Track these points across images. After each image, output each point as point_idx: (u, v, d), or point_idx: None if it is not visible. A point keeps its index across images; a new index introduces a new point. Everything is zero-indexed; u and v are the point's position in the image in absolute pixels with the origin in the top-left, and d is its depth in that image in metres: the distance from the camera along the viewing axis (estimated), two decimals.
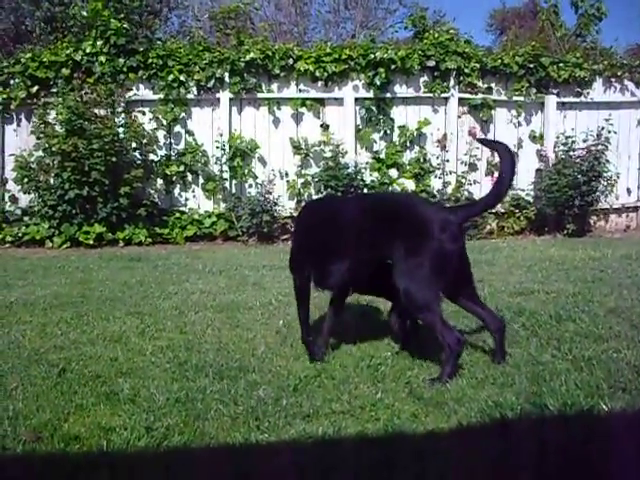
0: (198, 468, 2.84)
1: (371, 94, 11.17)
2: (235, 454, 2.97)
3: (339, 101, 11.17)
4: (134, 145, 10.50)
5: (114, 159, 9.97)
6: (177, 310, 5.57)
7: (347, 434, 3.11)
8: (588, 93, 12.13)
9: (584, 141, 11.40)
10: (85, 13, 10.81)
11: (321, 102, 11.20)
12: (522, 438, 3.05)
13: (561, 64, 11.87)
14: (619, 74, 12.27)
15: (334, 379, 3.78)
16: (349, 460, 2.88)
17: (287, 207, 11.03)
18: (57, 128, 10.16)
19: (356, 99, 11.18)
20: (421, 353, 4.21)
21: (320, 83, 11.13)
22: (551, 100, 11.84)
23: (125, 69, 10.72)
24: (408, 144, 11.38)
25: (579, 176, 11.09)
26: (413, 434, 3.10)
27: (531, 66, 11.65)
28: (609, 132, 11.42)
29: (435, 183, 11.38)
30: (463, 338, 3.99)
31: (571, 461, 2.80)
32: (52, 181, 10.20)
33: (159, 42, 11.42)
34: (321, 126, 11.14)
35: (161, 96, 10.85)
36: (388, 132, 11.29)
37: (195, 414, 3.31)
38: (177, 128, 11.05)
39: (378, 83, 11.05)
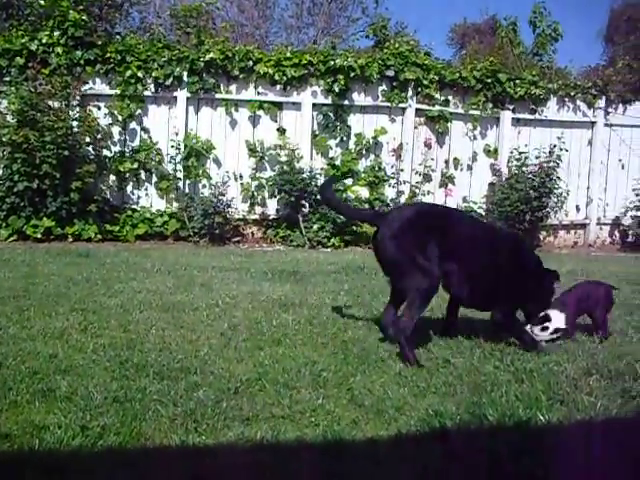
0: (132, 469, 2.79)
1: (329, 100, 11.20)
2: (171, 456, 2.92)
3: (297, 106, 11.18)
4: (88, 140, 10.32)
5: (66, 153, 9.78)
6: (122, 308, 5.48)
7: (286, 439, 3.09)
8: (542, 111, 12.35)
9: (537, 157, 11.61)
10: (43, 2, 10.59)
11: (279, 106, 11.19)
12: (460, 447, 3.06)
13: (517, 81, 12.07)
14: (572, 94, 12.53)
15: (276, 383, 3.75)
16: (286, 465, 2.85)
17: (240, 209, 11.00)
18: (8, 118, 9.93)
19: (314, 105, 11.20)
20: (363, 360, 4.22)
21: (279, 87, 11.11)
22: (506, 115, 12.02)
23: (82, 62, 10.53)
24: (364, 152, 11.44)
25: (531, 191, 11.27)
26: (352, 441, 3.09)
27: (488, 81, 11.82)
28: (561, 150, 11.64)
29: (389, 192, 11.44)
30: None
31: (507, 472, 2.82)
32: (1, 172, 9.98)
33: (118, 37, 11.27)
34: (278, 130, 11.12)
35: (117, 91, 10.70)
36: (344, 139, 11.33)
37: (133, 414, 3.25)
38: (132, 125, 10.92)
39: (337, 90, 11.09)
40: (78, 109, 10.44)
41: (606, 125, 12.74)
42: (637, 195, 12.33)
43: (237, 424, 3.20)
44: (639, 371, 4.11)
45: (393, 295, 4.72)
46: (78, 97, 10.47)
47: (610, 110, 12.77)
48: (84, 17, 10.49)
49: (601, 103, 12.65)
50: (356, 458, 2.90)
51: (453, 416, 3.35)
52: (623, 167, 12.99)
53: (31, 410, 3.27)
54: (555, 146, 11.63)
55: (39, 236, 9.75)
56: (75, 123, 10.19)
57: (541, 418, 3.38)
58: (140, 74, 10.70)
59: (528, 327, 4.83)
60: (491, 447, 3.04)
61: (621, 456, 2.99)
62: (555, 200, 11.67)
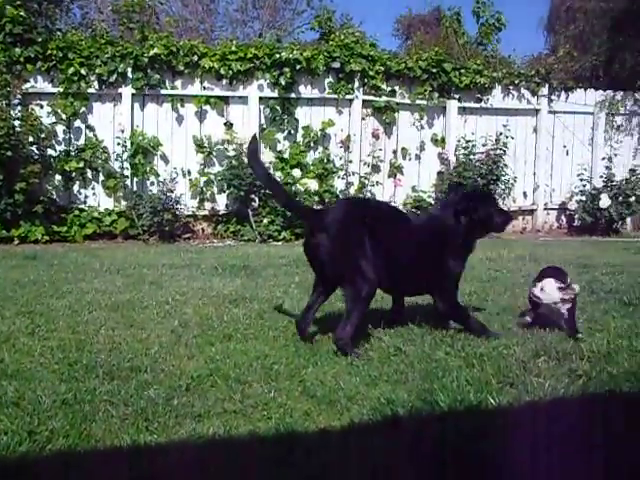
0: (82, 472, 2.75)
1: (276, 94, 11.18)
2: (122, 456, 2.88)
3: (243, 100, 11.13)
4: (31, 139, 10.08)
5: (9, 153, 9.56)
6: (70, 310, 5.38)
7: (238, 433, 3.07)
8: (488, 99, 12.51)
9: (483, 145, 11.79)
10: None
11: (225, 100, 11.13)
12: (412, 434, 3.08)
13: (463, 70, 12.21)
14: (517, 82, 12.73)
15: (227, 378, 3.72)
16: (239, 459, 2.84)
17: (189, 206, 10.93)
18: None
19: (261, 98, 11.17)
20: (314, 352, 4.22)
21: (225, 81, 11.05)
22: (453, 105, 12.15)
23: (22, 59, 10.28)
24: (312, 144, 11.44)
25: (478, 179, 11.42)
26: (305, 432, 3.09)
27: (434, 71, 11.92)
28: (507, 137, 11.83)
29: (338, 184, 11.48)
30: None
31: (458, 456, 2.85)
32: None
33: (59, 33, 11.02)
34: (225, 124, 11.06)
35: (60, 89, 10.49)
36: (292, 132, 11.32)
37: (82, 416, 3.20)
38: (77, 123, 10.72)
39: (283, 83, 11.07)
40: (20, 108, 10.21)
41: (550, 112, 12.98)
42: (581, 180, 12.58)
43: (189, 421, 3.18)
44: (584, 351, 4.19)
45: (318, 294, 4.62)
46: (19, 96, 10.24)
47: (553, 97, 13.01)
48: (22, 13, 10.23)
49: (544, 91, 12.88)
50: (309, 449, 2.90)
51: (405, 403, 3.37)
52: (567, 153, 13.26)
53: None
54: (501, 134, 11.82)
55: None
56: (17, 123, 9.97)
57: (491, 401, 3.42)
58: (83, 71, 10.51)
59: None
60: (443, 432, 3.08)
61: (568, 435, 3.05)
62: (503, 187, 11.86)
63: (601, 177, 12.67)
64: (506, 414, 3.36)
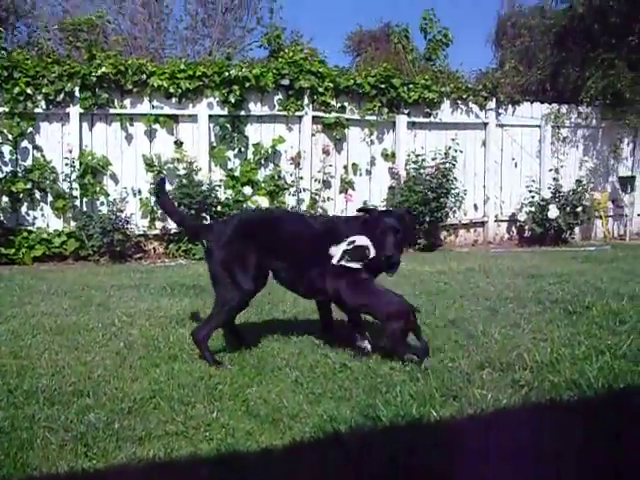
0: None
1: (225, 112, 11.17)
2: None
3: (193, 118, 11.10)
4: None
5: None
6: (13, 334, 5.28)
7: (179, 455, 3.05)
8: (437, 114, 12.66)
9: (433, 159, 11.92)
10: None
11: (175, 119, 11.08)
12: (353, 451, 3.09)
13: (411, 85, 12.34)
14: (465, 97, 12.90)
15: (170, 400, 3.69)
16: None
17: (140, 225, 10.84)
18: None
19: (210, 116, 11.15)
20: (259, 370, 4.22)
21: (174, 99, 11.01)
22: (402, 120, 12.27)
23: None
24: (262, 162, 11.45)
25: (429, 193, 11.54)
26: (246, 452, 3.08)
27: (383, 87, 12.03)
28: (456, 151, 11.99)
29: (290, 200, 11.50)
30: None
31: (401, 470, 2.86)
32: None
33: (4, 52, 10.86)
34: (175, 143, 11.02)
35: (6, 109, 10.35)
36: (242, 150, 11.32)
37: (19, 444, 3.14)
38: (24, 143, 10.56)
39: (232, 101, 11.07)
40: None
41: (498, 125, 13.20)
42: (530, 192, 12.80)
43: (129, 444, 3.14)
44: (528, 361, 4.25)
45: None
46: None
47: (501, 111, 13.23)
48: None
49: (492, 104, 13.09)
50: (249, 469, 2.89)
51: (347, 420, 3.38)
52: (516, 165, 13.48)
53: None
54: (450, 148, 11.97)
55: None
56: None
57: (434, 414, 3.45)
58: (29, 91, 10.38)
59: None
60: (384, 447, 3.09)
61: (510, 446, 3.08)
62: (453, 200, 11.99)
63: (549, 188, 12.91)
64: (448, 427, 3.39)
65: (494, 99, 13.08)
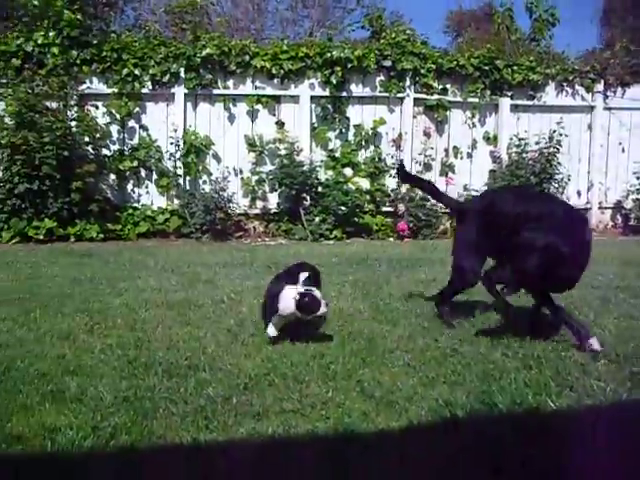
0: (145, 468, 2.79)
1: (327, 92, 11.19)
2: (183, 454, 2.92)
3: (295, 99, 11.16)
4: (86, 139, 10.31)
5: (66, 153, 9.78)
6: (127, 307, 5.47)
7: (297, 433, 3.08)
8: (541, 96, 12.30)
9: (536, 143, 11.60)
10: (36, 2, 10.54)
11: (277, 99, 11.17)
12: (472, 436, 3.06)
13: (515, 67, 12.02)
14: (571, 79, 12.47)
15: (285, 378, 3.74)
16: (299, 459, 2.85)
17: (241, 204, 11.01)
18: (6, 120, 9.92)
19: (312, 97, 11.18)
20: (370, 352, 4.22)
21: (276, 80, 11.10)
22: (505, 102, 11.99)
23: (78, 61, 10.51)
24: (363, 143, 11.42)
25: (531, 177, 11.26)
26: (364, 433, 3.09)
27: (486, 68, 11.78)
28: (560, 135, 11.61)
29: (389, 182, 11.44)
30: None
31: (519, 459, 2.82)
32: (1, 174, 9.97)
33: (114, 35, 11.19)
34: (276, 124, 11.11)
35: (115, 90, 10.68)
36: (343, 131, 11.32)
37: (143, 413, 3.25)
38: (131, 123, 10.90)
39: (334, 82, 11.08)
40: (76, 109, 10.42)
41: (605, 109, 12.68)
42: (638, 178, 12.29)
43: (248, 420, 3.20)
44: None
45: None
46: (75, 97, 10.45)
47: (609, 94, 12.71)
48: (79, 16, 10.47)
49: (600, 87, 12.60)
50: (369, 450, 2.90)
51: (463, 405, 3.35)
52: (623, 150, 12.93)
53: (42, 412, 3.26)
54: (555, 131, 11.61)
55: (41, 237, 9.75)
56: (74, 123, 10.20)
57: (551, 404, 3.38)
58: (137, 72, 10.69)
59: None
60: (502, 434, 3.05)
61: (631, 441, 2.99)
62: (556, 185, 11.65)
63: None
64: (567, 418, 3.31)
65: (602, 81, 12.60)
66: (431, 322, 4.93)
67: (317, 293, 4.34)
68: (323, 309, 4.33)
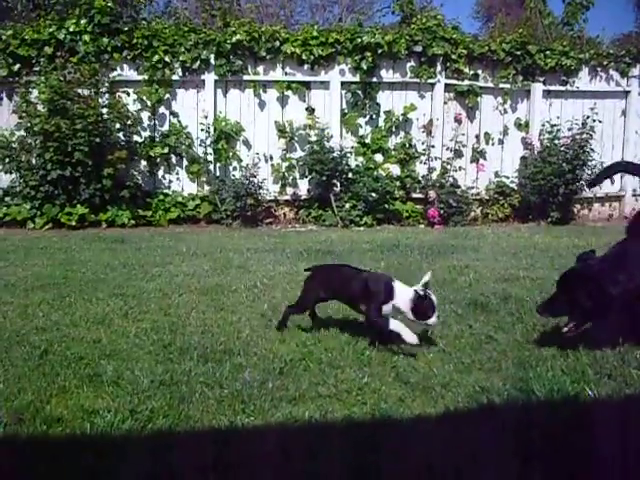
0: (183, 451, 2.80)
1: (357, 78, 11.13)
2: (221, 437, 2.93)
3: (325, 85, 11.11)
4: (118, 126, 10.38)
5: (97, 140, 9.85)
6: (161, 292, 5.51)
7: (334, 418, 3.08)
8: (574, 82, 12.14)
9: (569, 130, 11.44)
10: None
11: (307, 85, 11.14)
12: (510, 423, 3.03)
13: (548, 52, 11.87)
14: (605, 64, 12.29)
15: (320, 363, 3.75)
16: (337, 444, 2.85)
17: (271, 190, 11.01)
18: (39, 107, 10.01)
19: (342, 83, 11.13)
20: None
21: (306, 66, 11.06)
22: (537, 88, 11.85)
23: (109, 49, 10.58)
24: (394, 129, 11.36)
25: (564, 164, 11.12)
26: (400, 418, 3.08)
27: (518, 54, 11.64)
28: (594, 121, 11.44)
29: (420, 169, 11.38)
30: None
31: (557, 447, 2.79)
32: (34, 161, 10.08)
33: (144, 22, 11.24)
34: (307, 110, 11.08)
35: (145, 77, 10.73)
36: (374, 117, 11.26)
37: (180, 397, 3.27)
38: (161, 109, 10.94)
39: (365, 67, 11.02)
40: (107, 96, 10.49)
41: None
42: None
43: (284, 404, 3.21)
44: None
45: None
46: (107, 84, 10.53)
47: None
48: (109, 4, 10.52)
49: (635, 72, 12.39)
50: (406, 435, 2.89)
51: (500, 392, 3.33)
52: None
53: (80, 395, 3.30)
54: (588, 117, 11.44)
55: (73, 223, 9.85)
56: (105, 110, 10.25)
57: (589, 393, 3.34)
58: (167, 59, 10.72)
59: None
60: (541, 421, 3.02)
61: None
62: (589, 172, 11.46)
63: None
64: (606, 407, 3.27)
65: (637, 66, 12.39)
66: (464, 309, 4.90)
67: (434, 298, 3.99)
68: (434, 320, 4.00)
